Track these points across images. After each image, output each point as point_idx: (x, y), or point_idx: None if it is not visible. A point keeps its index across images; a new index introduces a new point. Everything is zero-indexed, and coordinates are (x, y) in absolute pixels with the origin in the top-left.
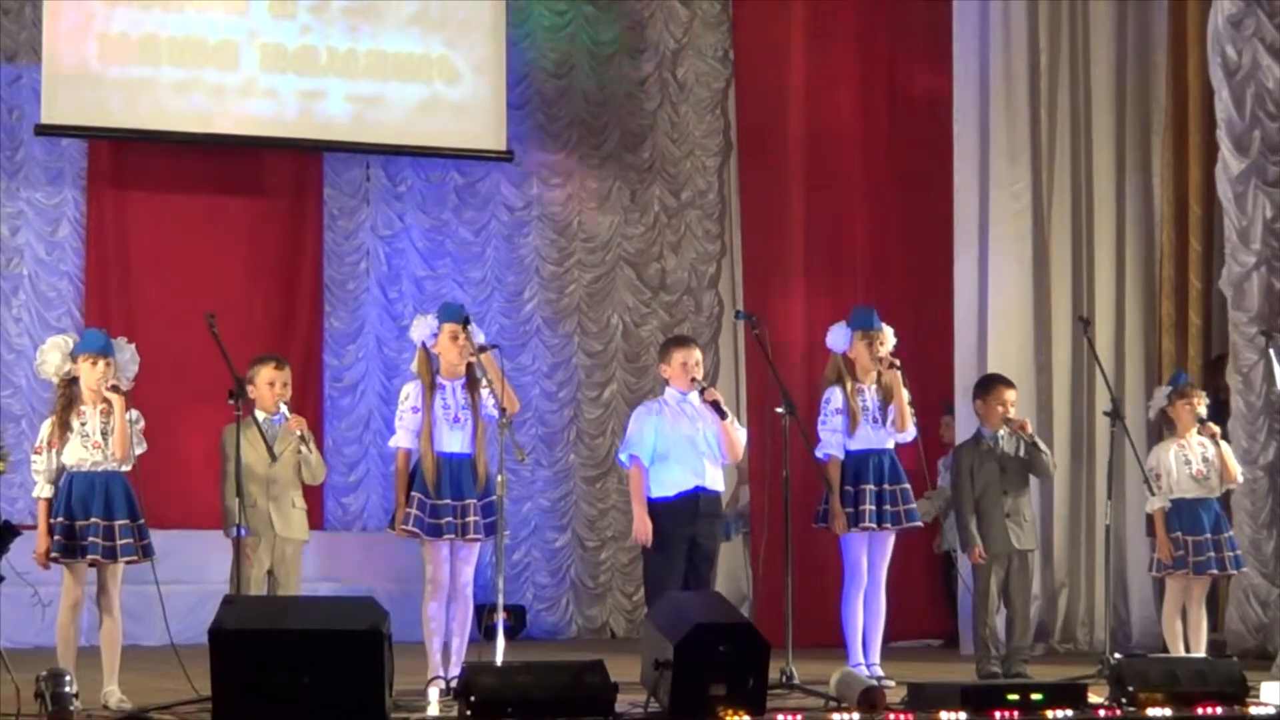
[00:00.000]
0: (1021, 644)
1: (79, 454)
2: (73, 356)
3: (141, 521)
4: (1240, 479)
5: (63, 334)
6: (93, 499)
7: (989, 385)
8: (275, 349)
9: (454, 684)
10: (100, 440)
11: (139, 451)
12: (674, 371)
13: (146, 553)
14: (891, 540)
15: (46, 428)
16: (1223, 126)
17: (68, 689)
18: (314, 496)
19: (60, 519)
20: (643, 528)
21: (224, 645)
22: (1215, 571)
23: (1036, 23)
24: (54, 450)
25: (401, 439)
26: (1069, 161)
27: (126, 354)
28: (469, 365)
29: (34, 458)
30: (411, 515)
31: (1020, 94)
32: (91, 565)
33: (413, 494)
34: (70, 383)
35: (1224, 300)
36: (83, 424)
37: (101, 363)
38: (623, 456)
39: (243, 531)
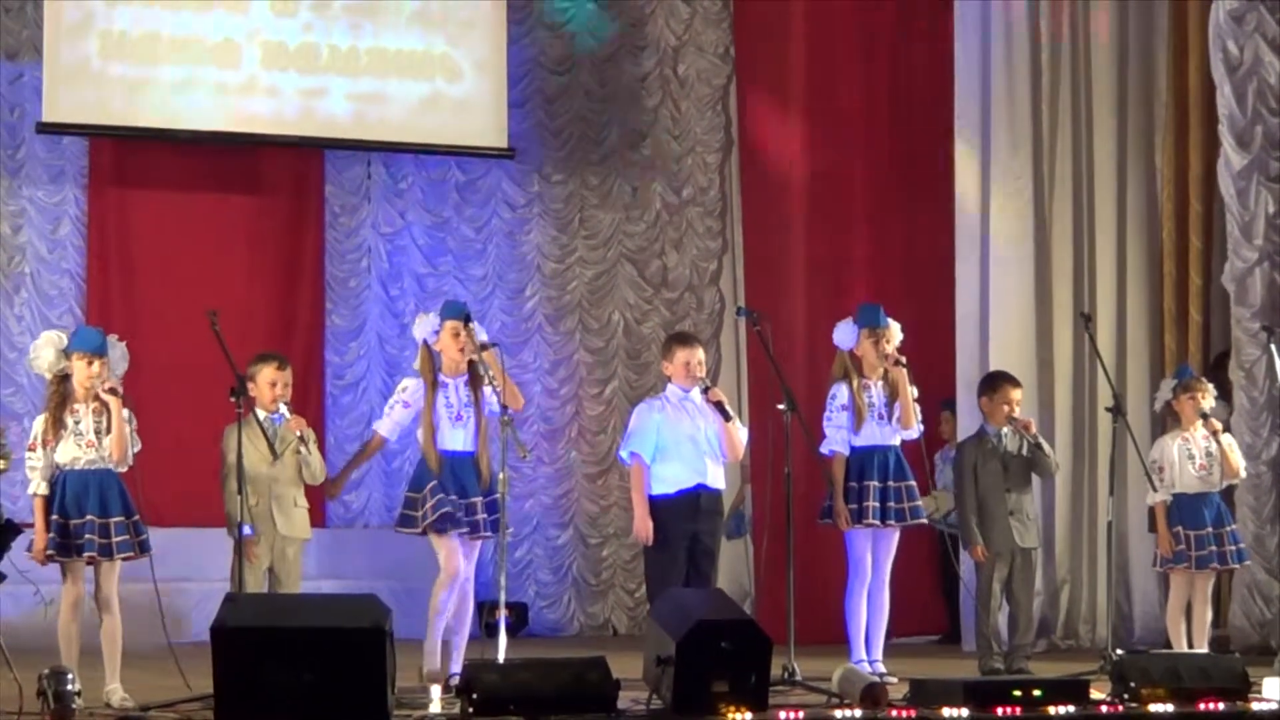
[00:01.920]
0: (1024, 641)
1: (73, 452)
2: (67, 353)
3: (136, 518)
4: (1243, 474)
5: (57, 330)
6: (87, 497)
7: (995, 383)
8: (277, 346)
9: (455, 681)
10: (94, 439)
11: (135, 450)
12: (676, 370)
13: (143, 549)
14: (896, 537)
15: (39, 424)
16: (1225, 122)
17: (70, 687)
18: (316, 494)
19: (55, 518)
20: (644, 525)
21: (226, 643)
22: (1217, 566)
23: (1037, 18)
24: (48, 447)
25: (383, 426)
26: (1070, 157)
27: (117, 352)
28: (471, 362)
29: (28, 455)
30: (407, 515)
31: (1021, 89)
32: (89, 564)
33: (411, 495)
34: (63, 379)
35: (1225, 296)
36: (76, 422)
37: (96, 362)
38: (624, 453)
39: (248, 530)
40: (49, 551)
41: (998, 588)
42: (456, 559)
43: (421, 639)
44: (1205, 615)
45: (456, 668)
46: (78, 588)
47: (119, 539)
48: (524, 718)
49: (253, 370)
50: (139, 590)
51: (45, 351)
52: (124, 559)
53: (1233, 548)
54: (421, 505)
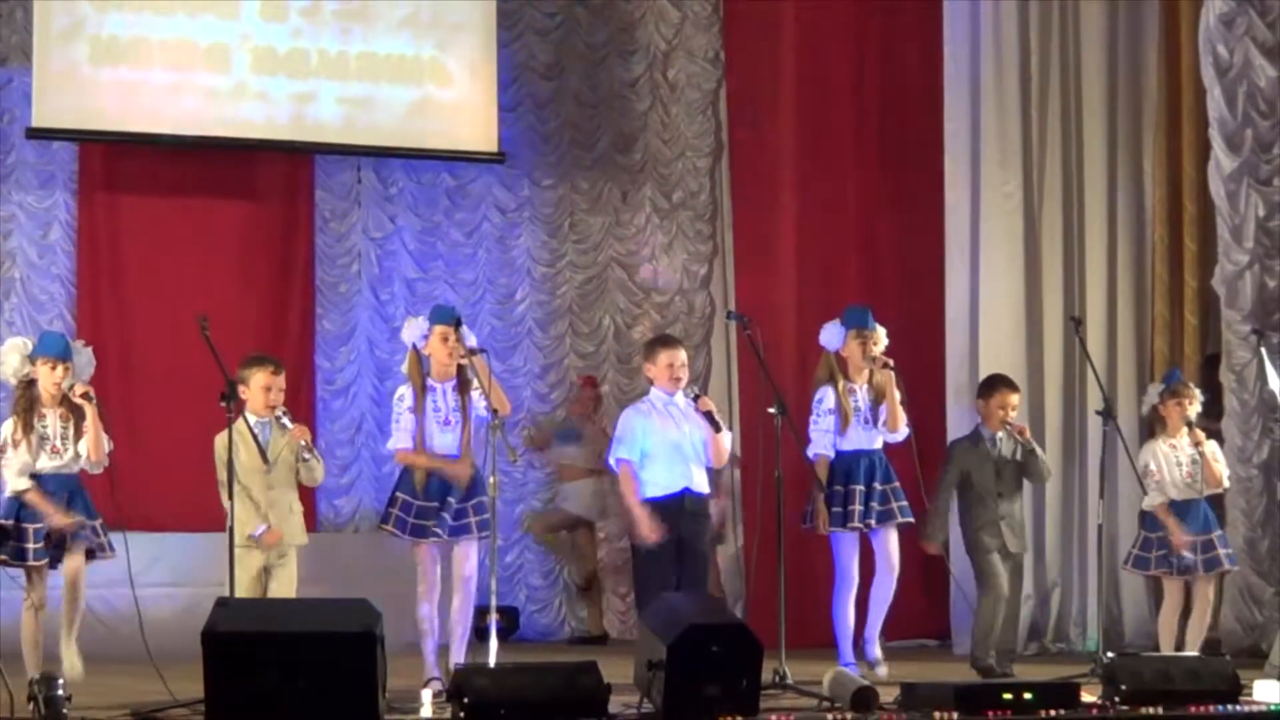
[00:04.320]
0: (1010, 646)
1: (41, 460)
2: (31, 359)
3: (100, 520)
4: (1225, 484)
5: (22, 336)
6: (50, 500)
7: (992, 386)
8: (267, 351)
9: (457, 667)
10: (59, 444)
11: (107, 450)
12: (659, 372)
13: (105, 549)
14: (894, 535)
15: (9, 427)
16: (1215, 125)
17: (61, 692)
18: (307, 498)
19: (14, 523)
20: (646, 526)
21: (217, 648)
22: (1201, 572)
23: (1027, 22)
24: (19, 447)
25: (401, 440)
26: (1060, 161)
27: (83, 357)
28: (460, 367)
29: (7, 461)
30: (393, 515)
31: (1011, 94)
32: (52, 566)
33: (398, 495)
34: (29, 384)
35: (1219, 299)
36: (44, 426)
37: (60, 367)
38: (612, 460)
39: (260, 529)
40: (3, 557)
41: (1005, 587)
42: (433, 570)
43: (411, 642)
44: (1205, 619)
45: (460, 657)
46: (40, 593)
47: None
48: None
49: (245, 374)
50: (124, 595)
51: (10, 358)
52: (83, 551)
53: (1222, 551)
54: (401, 508)
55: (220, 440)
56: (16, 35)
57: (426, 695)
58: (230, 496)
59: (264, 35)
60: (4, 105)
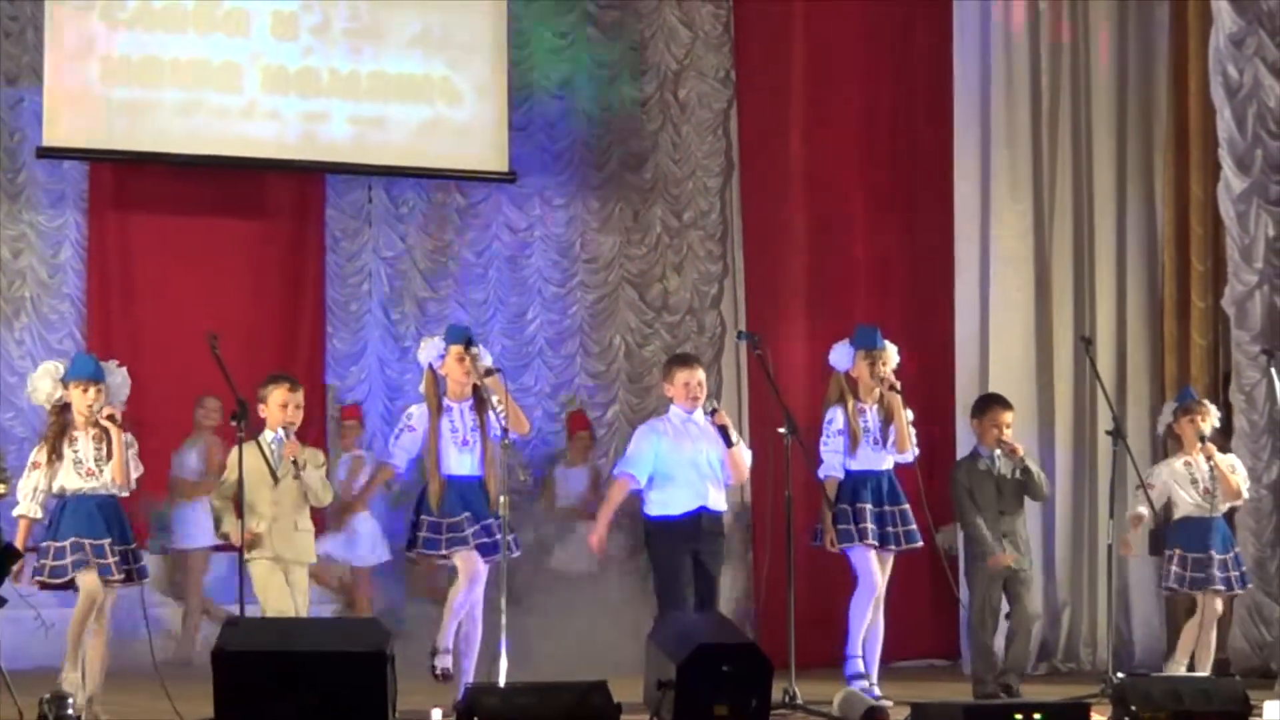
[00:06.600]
0: (1023, 662)
1: (74, 481)
2: (64, 383)
3: (134, 546)
4: (1246, 494)
5: (53, 360)
6: (85, 523)
7: (986, 405)
8: (278, 370)
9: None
10: (93, 466)
11: (136, 475)
12: (676, 391)
13: (140, 575)
14: (890, 561)
15: (35, 450)
16: (1224, 145)
17: (70, 711)
18: (319, 517)
19: (53, 543)
20: (600, 540)
21: (227, 667)
22: (1221, 589)
23: (1038, 43)
24: (40, 470)
25: (397, 457)
26: (1070, 181)
27: (118, 378)
28: (475, 386)
29: (21, 482)
30: (421, 538)
31: (1021, 115)
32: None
33: (422, 518)
34: (63, 409)
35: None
36: (75, 450)
37: (93, 389)
38: (615, 470)
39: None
40: (42, 578)
41: (992, 609)
42: (475, 563)
43: (423, 664)
44: (1210, 639)
45: (469, 680)
46: (93, 588)
47: (112, 559)
48: None
49: (264, 392)
50: (136, 614)
51: (43, 383)
52: (115, 582)
53: (1236, 573)
54: (429, 529)
55: (232, 453)
56: (27, 55)
57: (437, 715)
58: (240, 515)
59: (275, 54)
60: (15, 125)
